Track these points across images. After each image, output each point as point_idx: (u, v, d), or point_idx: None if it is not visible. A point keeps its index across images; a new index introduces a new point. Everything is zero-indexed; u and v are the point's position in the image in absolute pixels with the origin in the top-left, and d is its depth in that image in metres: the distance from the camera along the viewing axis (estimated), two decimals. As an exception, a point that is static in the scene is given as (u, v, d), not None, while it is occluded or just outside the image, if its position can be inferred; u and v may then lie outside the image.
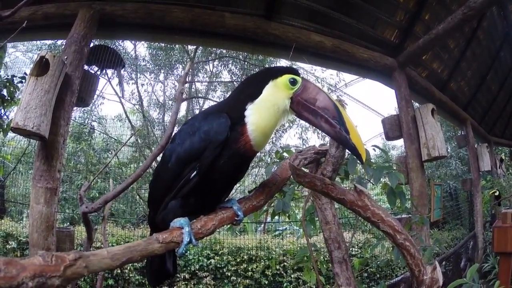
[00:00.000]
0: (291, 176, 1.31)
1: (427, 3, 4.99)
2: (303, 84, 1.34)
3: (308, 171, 1.88)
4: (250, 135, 1.30)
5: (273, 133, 1.43)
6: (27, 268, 0.78)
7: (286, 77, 1.34)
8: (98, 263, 0.89)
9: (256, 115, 1.33)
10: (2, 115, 4.13)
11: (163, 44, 9.75)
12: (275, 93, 1.34)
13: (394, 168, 2.78)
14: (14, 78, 3.97)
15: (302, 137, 11.11)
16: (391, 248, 3.53)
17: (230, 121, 1.31)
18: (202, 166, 1.30)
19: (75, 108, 3.88)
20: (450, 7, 5.16)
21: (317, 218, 2.69)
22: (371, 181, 2.74)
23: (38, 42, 9.44)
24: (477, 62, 7.02)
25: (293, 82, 1.33)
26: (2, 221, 7.26)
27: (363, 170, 2.66)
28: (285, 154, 2.52)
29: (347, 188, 1.54)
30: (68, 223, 8.33)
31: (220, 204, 1.41)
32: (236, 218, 1.37)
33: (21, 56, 10.81)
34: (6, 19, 2.65)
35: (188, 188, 1.32)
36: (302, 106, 1.32)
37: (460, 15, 4.13)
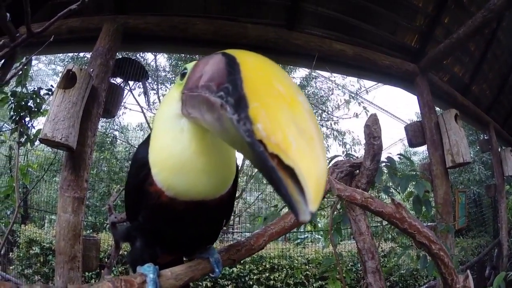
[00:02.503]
0: (330, 190, 1.30)
1: (446, 6, 4.92)
2: (194, 67, 0.85)
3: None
4: (157, 183, 0.90)
5: (219, 159, 0.89)
6: (98, 294, 0.78)
7: (180, 74, 0.92)
8: (164, 284, 0.90)
9: (154, 148, 0.93)
10: (28, 125, 4.26)
11: (183, 55, 9.90)
12: (165, 105, 0.95)
13: (419, 176, 2.74)
14: (41, 90, 4.10)
15: (323, 145, 10.97)
16: (415, 257, 3.47)
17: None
18: (135, 213, 1.03)
19: (99, 118, 3.97)
20: (469, 9, 5.08)
21: (343, 228, 2.68)
22: (397, 189, 2.71)
23: (61, 54, 9.71)
24: (499, 64, 6.86)
25: (183, 75, 0.89)
26: (26, 227, 7.43)
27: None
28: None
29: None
30: (91, 230, 8.47)
31: (200, 250, 1.11)
32: (211, 274, 1.09)
33: (44, 67, 11.15)
34: (38, 35, 2.76)
35: (135, 228, 1.08)
36: (188, 101, 0.82)
37: (480, 18, 4.06)
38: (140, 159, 0.95)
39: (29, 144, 4.45)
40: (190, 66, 0.88)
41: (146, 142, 0.98)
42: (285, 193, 0.57)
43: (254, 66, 0.68)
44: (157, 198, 0.91)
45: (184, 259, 1.23)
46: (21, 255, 6.87)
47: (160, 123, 0.93)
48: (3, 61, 2.52)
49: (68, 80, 3.11)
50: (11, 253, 7.16)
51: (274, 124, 0.58)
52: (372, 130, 1.52)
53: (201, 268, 1.05)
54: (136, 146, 10.43)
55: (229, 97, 0.63)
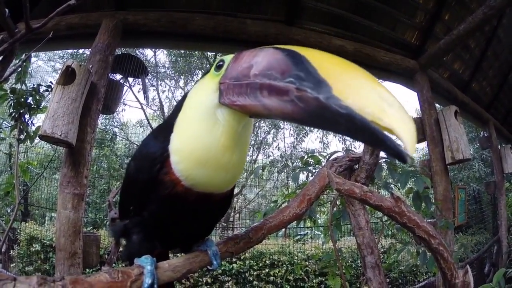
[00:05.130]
0: (329, 184, 1.29)
1: (446, 3, 4.91)
2: (234, 59, 0.90)
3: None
4: (176, 172, 0.92)
5: (238, 157, 0.94)
6: (95, 285, 0.80)
7: (214, 66, 0.94)
8: (161, 276, 0.90)
9: (180, 137, 0.94)
10: (28, 122, 4.25)
11: (182, 51, 9.88)
12: (198, 95, 0.95)
13: (419, 172, 2.75)
14: (40, 87, 4.09)
15: (323, 141, 11.06)
16: (415, 253, 3.48)
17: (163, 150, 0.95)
18: (137, 209, 1.05)
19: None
20: (470, 6, 5.07)
21: (343, 224, 2.68)
22: (397, 185, 2.71)
23: (60, 51, 9.71)
24: (499, 61, 6.85)
25: (219, 66, 0.92)
26: (26, 224, 7.44)
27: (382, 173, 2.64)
28: (310, 160, 2.51)
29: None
30: (91, 227, 8.49)
31: (197, 244, 1.12)
32: (209, 267, 1.09)
33: (43, 65, 11.16)
34: (36, 30, 2.75)
35: (133, 224, 1.08)
36: (233, 89, 0.85)
37: (480, 15, 4.05)
38: (153, 153, 0.96)
39: (28, 141, 4.45)
40: (227, 58, 0.92)
41: (158, 136, 1.01)
42: (390, 145, 0.69)
43: (321, 57, 0.78)
44: (172, 187, 0.94)
45: (181, 254, 1.25)
46: (22, 252, 6.88)
47: (191, 113, 0.94)
48: (2, 57, 2.51)
49: (68, 76, 3.11)
50: (11, 251, 7.17)
51: (363, 99, 0.69)
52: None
53: (199, 260, 1.04)
54: (136, 143, 10.59)
55: (304, 82, 0.73)
